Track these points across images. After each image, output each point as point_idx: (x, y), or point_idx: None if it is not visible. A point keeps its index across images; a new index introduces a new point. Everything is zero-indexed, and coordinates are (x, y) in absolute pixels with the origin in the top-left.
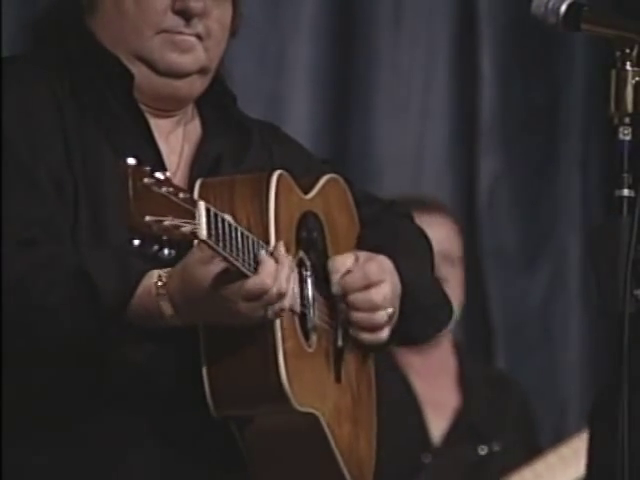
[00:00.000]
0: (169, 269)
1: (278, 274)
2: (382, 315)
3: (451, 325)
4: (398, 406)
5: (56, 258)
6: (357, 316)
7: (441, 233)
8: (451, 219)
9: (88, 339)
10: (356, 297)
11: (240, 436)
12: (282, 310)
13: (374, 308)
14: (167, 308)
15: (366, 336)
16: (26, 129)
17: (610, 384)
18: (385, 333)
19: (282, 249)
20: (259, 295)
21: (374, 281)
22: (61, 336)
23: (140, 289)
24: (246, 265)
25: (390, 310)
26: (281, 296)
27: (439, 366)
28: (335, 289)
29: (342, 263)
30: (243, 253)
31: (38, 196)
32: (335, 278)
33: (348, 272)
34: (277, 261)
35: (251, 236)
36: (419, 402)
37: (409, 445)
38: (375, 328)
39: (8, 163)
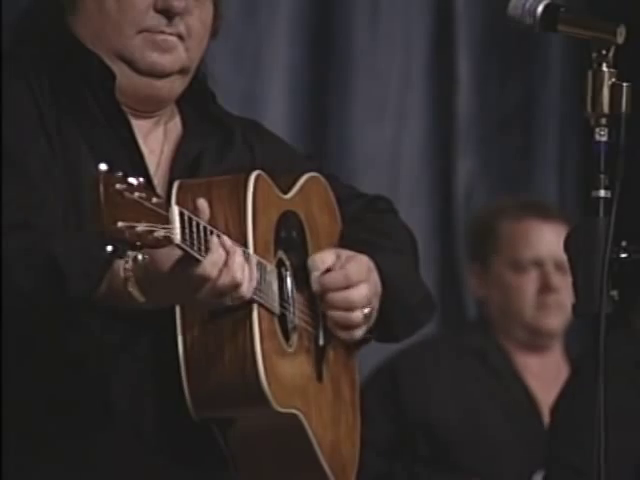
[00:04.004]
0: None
1: (230, 264)
2: (358, 315)
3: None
4: (517, 408)
5: (39, 242)
6: (334, 314)
7: (553, 240)
8: (567, 225)
9: (59, 325)
10: (334, 296)
11: (222, 437)
12: (241, 298)
13: (351, 308)
14: (134, 288)
15: (341, 334)
16: (11, 122)
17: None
18: (360, 332)
19: (227, 240)
20: (202, 284)
21: (354, 282)
22: (34, 321)
23: (109, 271)
24: None
25: (367, 310)
26: (236, 286)
27: (556, 369)
28: (315, 287)
29: (322, 261)
30: None
31: (29, 182)
32: (315, 276)
33: (328, 270)
34: (227, 252)
35: (226, 238)
36: (538, 405)
37: (528, 446)
38: (351, 327)
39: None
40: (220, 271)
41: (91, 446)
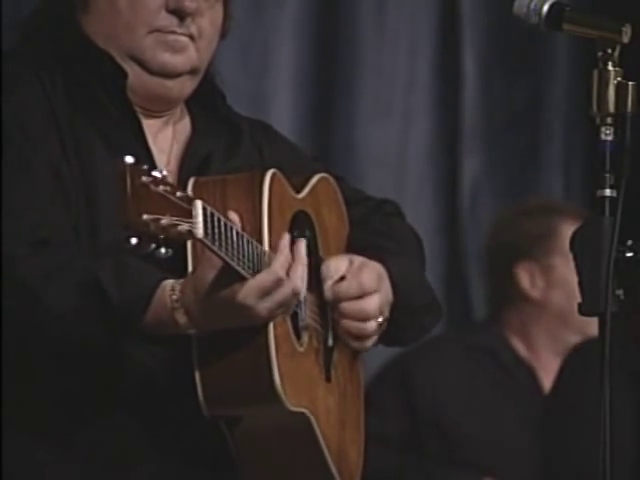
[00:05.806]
0: (182, 280)
1: (293, 272)
2: (372, 325)
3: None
4: (529, 405)
5: (68, 262)
6: (347, 324)
7: None
8: None
9: (97, 347)
10: (348, 306)
11: (230, 435)
12: (291, 307)
13: (365, 318)
14: (182, 319)
15: (353, 343)
16: (23, 125)
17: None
18: (372, 341)
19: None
20: (273, 287)
21: (368, 291)
22: (70, 342)
23: (154, 301)
24: (241, 264)
25: (380, 319)
26: (296, 295)
27: None
28: (328, 295)
29: (336, 268)
30: (238, 252)
31: (44, 195)
32: (328, 284)
33: (342, 278)
34: (293, 258)
35: (246, 236)
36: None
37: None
38: (363, 336)
39: (10, 161)
40: (287, 272)
41: (100, 440)
